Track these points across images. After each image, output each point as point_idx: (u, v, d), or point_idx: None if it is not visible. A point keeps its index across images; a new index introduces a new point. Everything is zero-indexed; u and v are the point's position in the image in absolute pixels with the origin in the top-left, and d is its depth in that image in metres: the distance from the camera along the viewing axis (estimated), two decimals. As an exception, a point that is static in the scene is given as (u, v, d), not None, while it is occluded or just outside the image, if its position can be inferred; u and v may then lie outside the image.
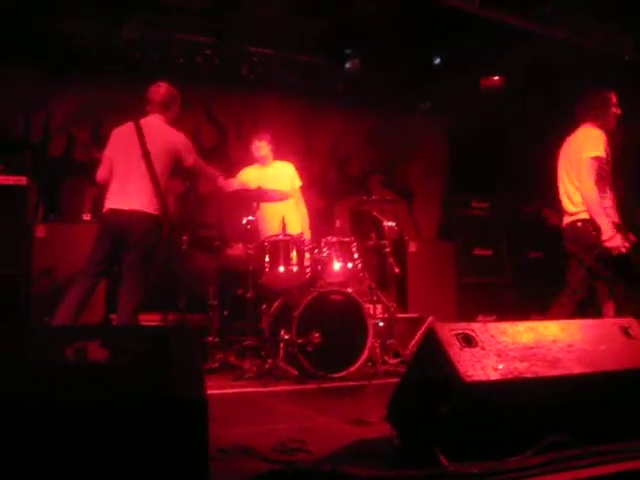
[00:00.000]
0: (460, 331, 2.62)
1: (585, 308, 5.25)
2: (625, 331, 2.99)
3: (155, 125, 5.35)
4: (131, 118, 5.40)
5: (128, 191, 5.08)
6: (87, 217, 7.12)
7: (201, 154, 8.88)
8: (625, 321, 3.10)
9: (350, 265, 6.14)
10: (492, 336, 2.67)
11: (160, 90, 5.42)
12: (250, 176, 6.83)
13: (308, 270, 6.04)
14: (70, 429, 1.99)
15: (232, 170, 8.97)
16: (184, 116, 8.81)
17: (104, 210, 5.19)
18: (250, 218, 6.05)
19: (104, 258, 5.11)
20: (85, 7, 7.36)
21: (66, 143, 8.27)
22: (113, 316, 6.64)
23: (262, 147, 7.03)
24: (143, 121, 5.35)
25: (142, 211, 5.02)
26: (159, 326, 5.91)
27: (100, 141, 8.38)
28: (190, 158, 5.46)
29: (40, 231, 6.62)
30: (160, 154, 5.20)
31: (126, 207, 5.03)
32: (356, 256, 6.20)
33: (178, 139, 5.42)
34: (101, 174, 5.36)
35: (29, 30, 7.38)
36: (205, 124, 9.08)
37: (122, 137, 5.33)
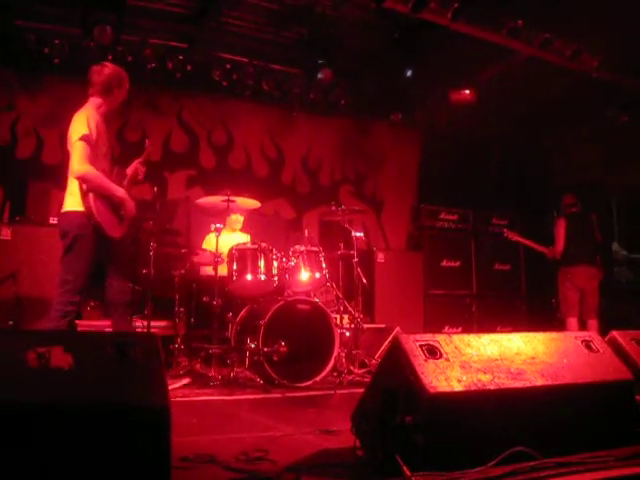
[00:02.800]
0: (425, 342, 2.63)
1: None
2: (587, 345, 3.03)
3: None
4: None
5: None
6: (54, 220, 7.03)
7: (172, 159, 8.97)
8: (587, 335, 3.14)
9: (318, 275, 6.15)
10: (457, 348, 2.68)
11: (104, 71, 4.81)
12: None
13: (275, 279, 6.03)
14: (30, 435, 1.96)
15: (204, 176, 9.02)
16: (155, 121, 8.85)
17: None
18: (218, 225, 6.02)
19: None
20: (56, 8, 7.32)
21: (34, 145, 8.19)
22: (78, 322, 6.58)
23: (239, 221, 7.26)
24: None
25: (63, 211, 4.70)
26: (124, 332, 5.85)
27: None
28: (71, 136, 4.61)
29: (5, 233, 6.53)
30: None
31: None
32: (324, 266, 6.21)
33: (76, 115, 4.69)
34: None
35: (-2, 31, 7.31)
36: (176, 129, 9.06)
37: None
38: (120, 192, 4.75)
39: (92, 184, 4.57)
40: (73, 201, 4.61)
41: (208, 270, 6.42)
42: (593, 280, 7.59)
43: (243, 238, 7.09)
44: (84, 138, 4.52)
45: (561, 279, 7.70)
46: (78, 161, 4.50)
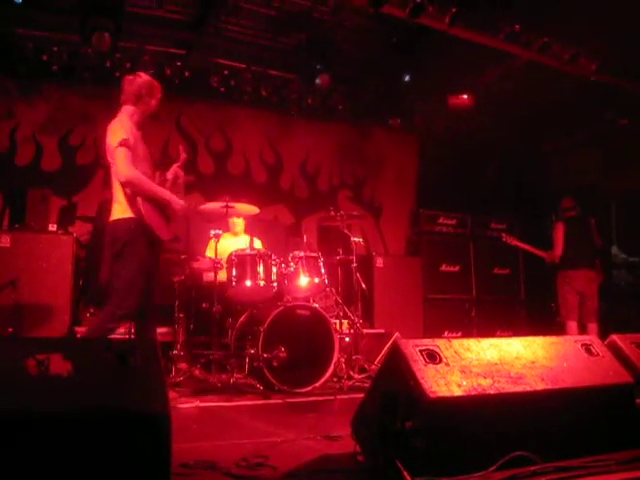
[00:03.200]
0: (424, 347, 2.63)
1: None
2: (587, 349, 3.03)
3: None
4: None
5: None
6: (52, 227, 7.03)
7: (170, 165, 8.94)
8: (587, 339, 3.14)
9: (317, 280, 6.15)
10: (456, 352, 2.68)
11: (137, 80, 4.89)
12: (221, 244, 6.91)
13: (275, 285, 6.03)
14: (30, 442, 1.96)
15: (203, 182, 9.02)
16: (153, 127, 8.84)
17: None
18: (217, 231, 6.02)
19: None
20: (55, 16, 7.33)
21: (33, 152, 8.19)
22: (77, 328, 6.58)
23: (239, 223, 7.20)
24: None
25: (112, 220, 4.69)
26: (124, 339, 5.84)
27: (68, 151, 8.37)
28: (111, 146, 4.62)
29: (4, 240, 6.53)
30: (107, 153, 4.74)
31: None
32: (323, 271, 6.21)
33: (111, 125, 4.73)
34: None
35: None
36: (175, 135, 9.06)
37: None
38: (166, 194, 4.82)
39: (139, 187, 4.61)
40: (120, 209, 4.64)
41: (210, 275, 6.42)
42: (592, 284, 7.58)
43: (246, 240, 7.11)
44: (123, 143, 4.55)
45: (560, 283, 7.69)
46: (123, 166, 4.54)
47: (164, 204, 4.77)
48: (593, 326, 7.42)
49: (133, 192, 4.60)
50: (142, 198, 4.59)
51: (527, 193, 10.67)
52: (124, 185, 4.60)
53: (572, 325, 7.44)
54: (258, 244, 6.89)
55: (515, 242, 8.42)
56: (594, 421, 2.81)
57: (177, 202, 4.84)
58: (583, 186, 9.69)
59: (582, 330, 7.38)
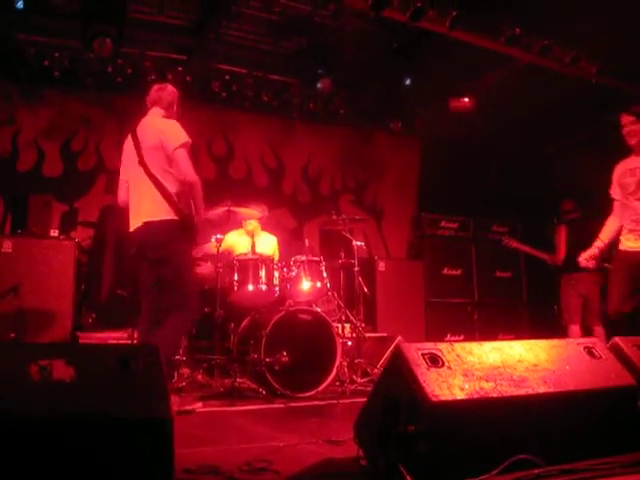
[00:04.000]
0: (427, 351, 2.63)
1: None
2: (590, 351, 3.03)
3: (148, 121, 4.89)
4: (129, 128, 4.99)
5: (137, 205, 4.72)
6: (54, 233, 7.04)
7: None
8: (590, 341, 3.14)
9: (319, 284, 6.15)
10: (458, 356, 2.68)
11: (168, 88, 5.04)
12: (237, 241, 6.88)
13: (277, 289, 6.03)
14: (32, 448, 1.96)
15: (205, 187, 9.01)
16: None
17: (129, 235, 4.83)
18: (219, 236, 6.02)
19: (152, 283, 4.76)
20: (56, 22, 7.35)
21: (35, 158, 8.21)
22: (80, 334, 6.58)
23: (255, 224, 7.18)
24: (139, 124, 4.90)
25: (153, 220, 4.61)
26: (126, 344, 5.85)
27: (69, 156, 8.39)
28: (172, 144, 4.65)
29: (7, 246, 6.53)
30: (150, 150, 4.70)
31: (139, 223, 4.65)
32: (325, 275, 6.21)
33: (165, 125, 4.79)
34: (120, 198, 4.94)
35: (-1, 44, 7.35)
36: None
37: (125, 152, 4.94)
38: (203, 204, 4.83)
39: (199, 193, 4.67)
40: (164, 209, 4.61)
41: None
42: (596, 286, 7.55)
43: (270, 238, 7.22)
44: (186, 145, 4.69)
45: (564, 286, 7.66)
46: (190, 167, 4.65)
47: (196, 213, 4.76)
48: (599, 329, 7.38)
49: (192, 195, 4.65)
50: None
51: (529, 196, 10.65)
52: (190, 185, 4.64)
53: (575, 329, 7.41)
54: (274, 242, 7.10)
55: (516, 244, 8.41)
56: (597, 424, 2.80)
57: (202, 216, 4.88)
58: (585, 188, 9.66)
59: (587, 333, 7.34)
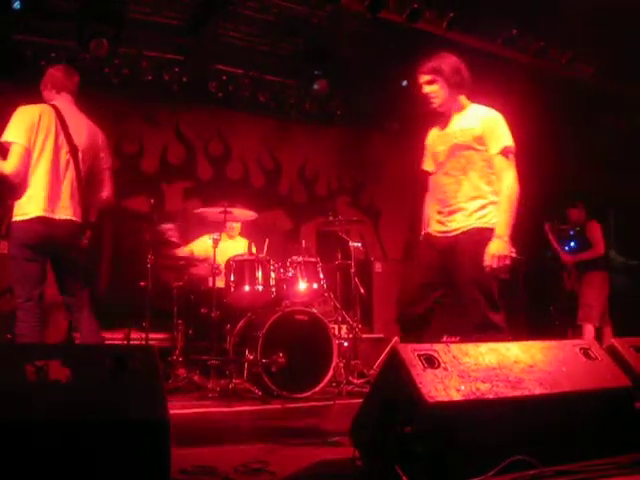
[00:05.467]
0: (423, 352, 2.63)
1: None
2: (585, 353, 3.03)
3: (74, 112, 4.49)
4: (38, 99, 4.49)
5: (60, 195, 4.23)
6: None
7: (169, 171, 8.97)
8: (586, 343, 3.14)
9: (315, 285, 6.15)
10: (455, 357, 2.68)
11: (76, 75, 4.67)
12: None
13: (273, 290, 6.03)
14: (28, 449, 1.96)
15: (202, 188, 9.02)
16: (152, 132, 8.86)
17: (25, 218, 4.15)
18: (215, 237, 6.02)
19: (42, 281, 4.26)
20: (53, 22, 7.34)
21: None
22: (76, 335, 6.56)
23: (236, 227, 7.23)
24: (59, 105, 4.41)
25: (73, 220, 4.31)
26: (122, 345, 5.84)
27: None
28: (110, 158, 4.57)
29: (3, 247, 6.48)
30: (87, 150, 4.39)
31: (59, 216, 4.22)
32: (321, 276, 6.21)
33: (101, 132, 4.57)
34: (17, 168, 4.12)
35: (-5, 44, 7.33)
36: (173, 141, 9.05)
37: (40, 123, 4.23)
38: None
39: None
40: None
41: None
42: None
43: (242, 243, 7.11)
44: None
45: (602, 284, 7.54)
46: None
47: None
48: (609, 329, 7.35)
49: None
50: None
51: (523, 197, 10.64)
52: None
53: (592, 329, 7.30)
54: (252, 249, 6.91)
55: (549, 231, 8.10)
56: (593, 425, 2.81)
57: None
58: (581, 190, 9.68)
59: (599, 335, 7.28)
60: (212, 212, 6.31)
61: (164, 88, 8.39)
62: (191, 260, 6.79)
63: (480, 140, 3.94)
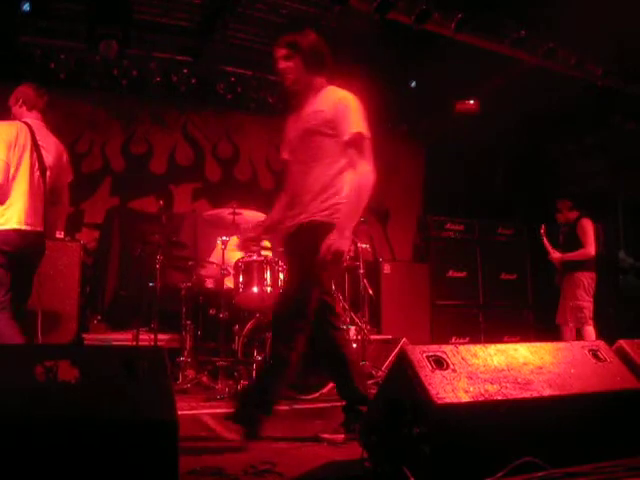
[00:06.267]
0: (431, 353, 2.62)
1: None
2: (595, 354, 3.02)
3: (44, 131, 4.61)
4: (9, 116, 4.56)
5: (34, 210, 4.37)
6: (59, 235, 6.99)
7: (177, 172, 8.99)
8: (595, 344, 3.13)
9: (324, 286, 6.13)
10: (463, 358, 2.68)
11: (46, 95, 4.70)
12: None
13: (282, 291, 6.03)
14: (37, 449, 1.96)
15: (210, 189, 9.04)
16: (160, 134, 8.89)
17: (2, 228, 4.25)
18: (224, 239, 6.03)
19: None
20: (62, 24, 7.37)
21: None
22: (85, 335, 6.59)
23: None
24: (31, 123, 4.50)
25: (42, 232, 4.44)
26: (131, 346, 5.86)
27: (74, 158, 8.39)
28: (71, 174, 4.80)
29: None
30: (54, 168, 4.56)
31: (33, 228, 4.35)
32: (330, 277, 6.19)
33: (65, 151, 4.79)
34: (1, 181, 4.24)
35: (3, 46, 7.35)
36: (181, 142, 9.08)
37: (17, 140, 4.33)
38: None
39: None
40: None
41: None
42: None
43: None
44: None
45: (590, 285, 7.36)
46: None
47: None
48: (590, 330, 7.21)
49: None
50: None
51: (534, 198, 10.64)
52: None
53: (592, 330, 7.21)
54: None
55: (544, 236, 7.94)
56: (602, 427, 2.80)
57: None
58: (590, 191, 9.66)
59: (578, 335, 7.21)
60: (221, 214, 6.30)
61: (173, 89, 8.42)
62: (201, 261, 6.80)
63: (331, 124, 3.73)
